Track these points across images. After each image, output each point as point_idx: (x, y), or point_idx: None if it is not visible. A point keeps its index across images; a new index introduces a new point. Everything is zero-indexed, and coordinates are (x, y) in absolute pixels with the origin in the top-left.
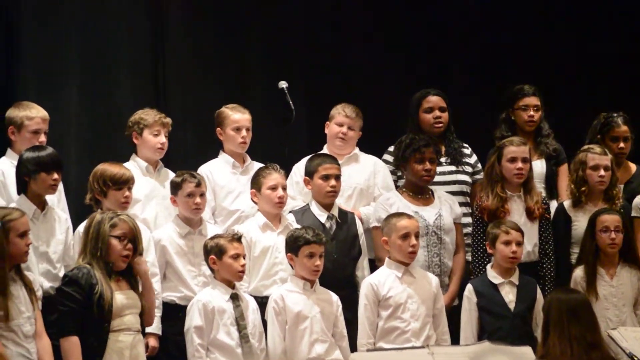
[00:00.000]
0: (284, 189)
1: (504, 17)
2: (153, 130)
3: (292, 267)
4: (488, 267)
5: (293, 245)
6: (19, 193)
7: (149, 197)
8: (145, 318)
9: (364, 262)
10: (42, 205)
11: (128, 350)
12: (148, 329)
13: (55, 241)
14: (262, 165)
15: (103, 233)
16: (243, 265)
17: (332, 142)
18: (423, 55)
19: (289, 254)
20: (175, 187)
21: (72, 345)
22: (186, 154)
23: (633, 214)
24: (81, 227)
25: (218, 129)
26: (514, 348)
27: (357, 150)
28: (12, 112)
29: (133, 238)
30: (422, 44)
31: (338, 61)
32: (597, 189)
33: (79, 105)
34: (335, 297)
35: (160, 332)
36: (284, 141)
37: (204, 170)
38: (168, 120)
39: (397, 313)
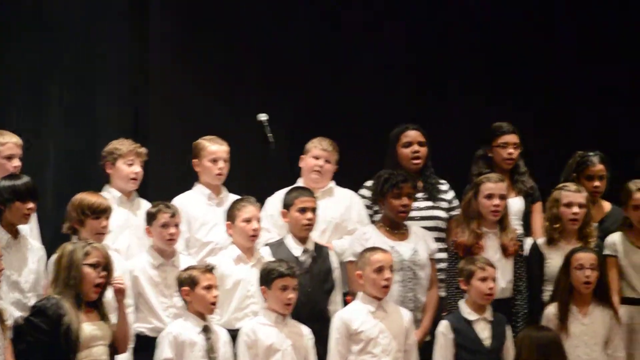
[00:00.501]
0: (259, 221)
1: (481, 55)
2: (127, 160)
3: (265, 300)
4: (461, 303)
5: (266, 277)
6: None
7: (122, 228)
8: (119, 345)
9: (337, 297)
10: (15, 233)
11: None
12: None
13: (27, 270)
14: (238, 197)
15: (76, 261)
16: (215, 297)
17: (307, 176)
18: (402, 92)
19: (262, 287)
20: (151, 218)
21: None
22: (164, 185)
23: (606, 252)
24: (53, 258)
25: (195, 160)
26: None
27: (332, 184)
28: None
29: (106, 266)
30: (400, 80)
31: (317, 95)
32: (571, 226)
33: (58, 134)
34: (307, 330)
35: None
36: (261, 174)
37: (179, 201)
38: (143, 150)
39: (368, 348)
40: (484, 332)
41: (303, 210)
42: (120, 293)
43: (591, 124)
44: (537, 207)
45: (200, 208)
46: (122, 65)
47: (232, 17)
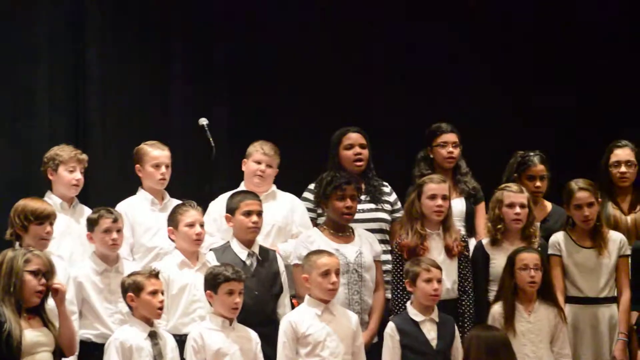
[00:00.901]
0: (202, 225)
1: (421, 56)
2: (68, 167)
3: (211, 305)
4: (408, 304)
5: (212, 282)
6: None
7: (64, 234)
8: (65, 349)
9: (285, 300)
10: None
11: None
12: None
13: None
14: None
15: (17, 269)
16: (161, 302)
17: (249, 180)
18: (343, 94)
19: (208, 292)
20: (92, 224)
21: None
22: (105, 191)
23: (550, 251)
24: None
25: (137, 165)
26: None
27: (274, 187)
28: None
29: (46, 273)
30: (343, 82)
31: (260, 98)
32: (513, 226)
33: None
34: (254, 334)
35: None
36: (204, 178)
37: (123, 206)
38: (84, 156)
39: (316, 351)
40: (430, 333)
41: (248, 214)
42: (58, 294)
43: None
44: (480, 207)
45: (143, 213)
46: (60, 69)
47: (166, 18)
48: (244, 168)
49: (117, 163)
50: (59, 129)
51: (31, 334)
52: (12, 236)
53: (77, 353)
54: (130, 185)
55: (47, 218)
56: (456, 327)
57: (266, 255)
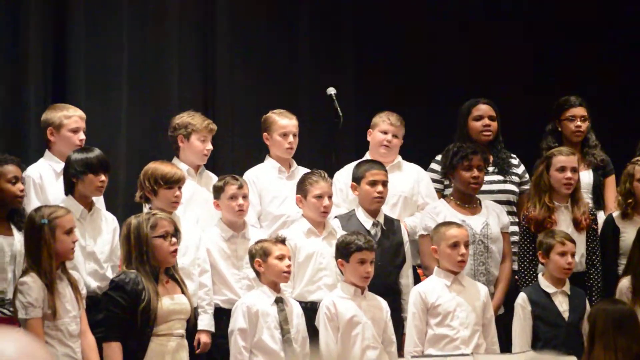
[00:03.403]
0: (330, 197)
1: (552, 28)
2: (200, 136)
3: (342, 273)
4: (540, 276)
5: (344, 251)
6: (66, 194)
7: (190, 201)
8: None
9: (408, 270)
10: (89, 205)
11: (170, 356)
12: (200, 326)
13: (102, 241)
14: (308, 170)
15: (145, 237)
16: (288, 266)
17: (375, 150)
18: (468, 67)
19: (339, 260)
20: (218, 191)
21: (114, 351)
22: (233, 159)
23: None
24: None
25: (265, 134)
26: (558, 357)
27: (400, 158)
28: (49, 114)
29: (175, 232)
30: (466, 54)
31: (387, 68)
32: None
33: (128, 106)
34: (384, 303)
35: (213, 329)
36: (331, 147)
37: (250, 174)
38: (214, 126)
39: (446, 321)
40: (562, 305)
41: (373, 183)
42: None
43: None
44: (610, 180)
45: (271, 181)
46: (191, 38)
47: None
48: (369, 138)
49: (246, 131)
50: (190, 97)
51: (168, 302)
52: (142, 199)
53: (211, 312)
54: (260, 154)
55: (177, 182)
56: (587, 301)
57: (391, 226)
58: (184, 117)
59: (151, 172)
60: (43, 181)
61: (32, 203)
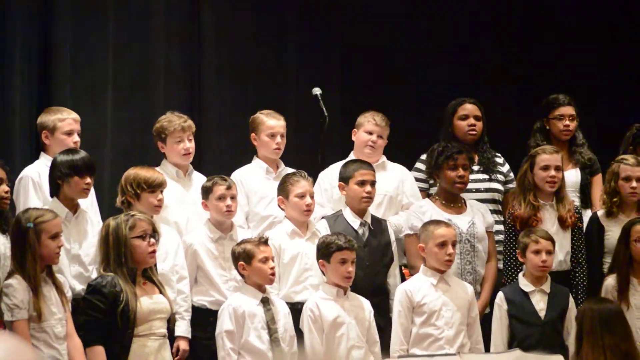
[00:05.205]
0: (312, 196)
1: (541, 27)
2: (175, 138)
3: (324, 274)
4: (520, 275)
5: (325, 251)
6: (51, 196)
7: (179, 202)
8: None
9: (395, 270)
10: (74, 208)
11: (152, 356)
12: (178, 332)
13: (87, 244)
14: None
15: (123, 237)
16: (272, 268)
17: (360, 150)
18: (453, 67)
19: (320, 261)
20: (206, 192)
21: (97, 355)
22: (221, 160)
23: None
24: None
25: (252, 134)
26: (545, 356)
27: (384, 158)
28: (44, 117)
29: (154, 233)
30: (459, 53)
31: (372, 68)
32: (629, 200)
33: (114, 109)
34: (367, 303)
35: (190, 336)
36: (317, 148)
37: (238, 175)
38: (189, 123)
39: (431, 320)
40: (539, 304)
41: (362, 183)
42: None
43: None
44: (597, 179)
45: (258, 182)
46: (177, 39)
47: None
48: (354, 138)
49: (233, 132)
50: (176, 99)
51: (147, 302)
52: (123, 204)
53: (189, 318)
54: (247, 154)
55: (159, 186)
56: (571, 299)
57: (378, 225)
58: (160, 122)
59: (133, 177)
60: (42, 181)
61: (30, 201)
